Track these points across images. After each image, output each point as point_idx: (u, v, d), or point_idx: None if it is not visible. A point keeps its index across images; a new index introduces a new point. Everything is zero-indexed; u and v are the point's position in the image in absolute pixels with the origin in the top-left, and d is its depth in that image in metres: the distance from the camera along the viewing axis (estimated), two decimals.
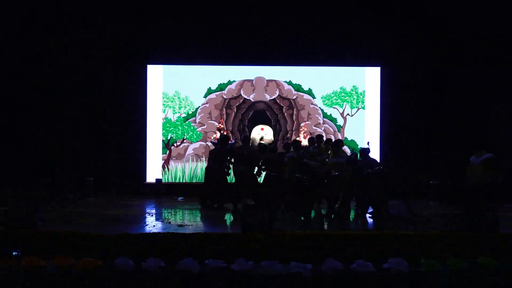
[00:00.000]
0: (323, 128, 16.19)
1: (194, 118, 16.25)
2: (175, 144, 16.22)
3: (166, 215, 12.14)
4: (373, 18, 16.38)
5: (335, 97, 16.27)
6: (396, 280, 7.81)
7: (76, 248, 8.68)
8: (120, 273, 7.71)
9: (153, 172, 15.97)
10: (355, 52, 16.50)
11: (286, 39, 16.47)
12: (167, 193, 15.20)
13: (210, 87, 16.27)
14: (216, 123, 16.09)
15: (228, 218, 11.69)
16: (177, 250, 8.73)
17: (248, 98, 16.29)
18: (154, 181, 15.11)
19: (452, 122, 16.51)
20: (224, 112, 16.24)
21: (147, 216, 12.03)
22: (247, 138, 13.58)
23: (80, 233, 8.88)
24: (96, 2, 16.12)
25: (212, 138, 16.01)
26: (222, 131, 15.91)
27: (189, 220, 11.44)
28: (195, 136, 16.17)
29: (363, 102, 16.28)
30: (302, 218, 11.29)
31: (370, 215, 11.87)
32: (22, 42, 16.20)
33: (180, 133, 16.24)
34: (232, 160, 12.89)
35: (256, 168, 12.53)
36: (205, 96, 16.28)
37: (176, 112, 16.25)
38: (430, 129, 16.58)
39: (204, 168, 14.17)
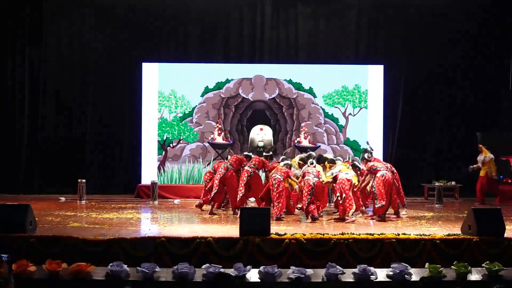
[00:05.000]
0: (324, 128, 16.18)
1: (191, 118, 16.24)
2: (171, 145, 16.21)
3: (161, 218, 12.13)
4: (376, 14, 16.43)
5: (336, 96, 16.26)
6: (400, 285, 7.82)
7: (68, 253, 8.68)
8: (114, 278, 7.70)
9: (149, 173, 15.93)
10: (357, 50, 16.53)
11: (286, 36, 16.48)
12: (163, 196, 15.18)
13: (207, 86, 16.25)
14: (214, 123, 16.09)
15: (227, 221, 11.67)
16: (173, 254, 8.74)
17: (246, 97, 16.28)
18: (149, 183, 15.09)
19: (454, 121, 16.57)
20: (222, 111, 16.23)
21: (142, 219, 12.02)
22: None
23: (72, 237, 8.86)
24: None
25: (210, 138, 16.03)
26: (220, 131, 15.94)
27: (185, 223, 11.43)
28: (192, 137, 16.16)
29: (365, 101, 16.27)
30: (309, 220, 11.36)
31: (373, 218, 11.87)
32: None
33: (176, 133, 16.23)
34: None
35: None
36: (202, 95, 16.26)
37: (172, 112, 16.24)
38: (434, 128, 16.62)
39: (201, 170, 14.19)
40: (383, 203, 11.55)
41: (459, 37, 16.44)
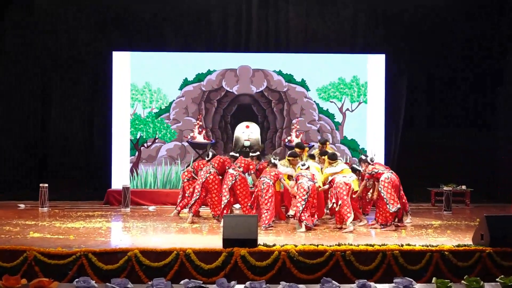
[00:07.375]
0: (318, 126, 16.21)
1: (167, 114, 16.21)
2: (145, 145, 16.18)
3: (134, 227, 12.09)
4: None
5: (332, 90, 16.29)
6: None
7: (28, 267, 8.62)
8: None
9: (120, 177, 15.89)
10: (355, 37, 16.55)
11: (275, 22, 16.48)
12: (136, 202, 15.15)
13: (186, 78, 16.23)
14: (194, 120, 16.06)
15: (208, 231, 11.66)
16: (148, 268, 8.71)
17: (231, 90, 16.27)
18: (120, 187, 15.05)
19: (461, 116, 16.68)
20: (203, 107, 16.21)
21: (112, 228, 11.98)
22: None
23: (32, 249, 8.81)
24: None
25: (189, 137, 15.99)
26: (200, 129, 15.92)
27: (162, 233, 11.40)
28: (168, 135, 16.13)
29: (365, 95, 16.30)
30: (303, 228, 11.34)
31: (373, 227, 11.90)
32: None
33: (151, 131, 16.19)
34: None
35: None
36: (181, 88, 16.24)
37: (146, 107, 16.20)
38: (439, 124, 16.69)
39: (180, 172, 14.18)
40: (398, 206, 11.59)
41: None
